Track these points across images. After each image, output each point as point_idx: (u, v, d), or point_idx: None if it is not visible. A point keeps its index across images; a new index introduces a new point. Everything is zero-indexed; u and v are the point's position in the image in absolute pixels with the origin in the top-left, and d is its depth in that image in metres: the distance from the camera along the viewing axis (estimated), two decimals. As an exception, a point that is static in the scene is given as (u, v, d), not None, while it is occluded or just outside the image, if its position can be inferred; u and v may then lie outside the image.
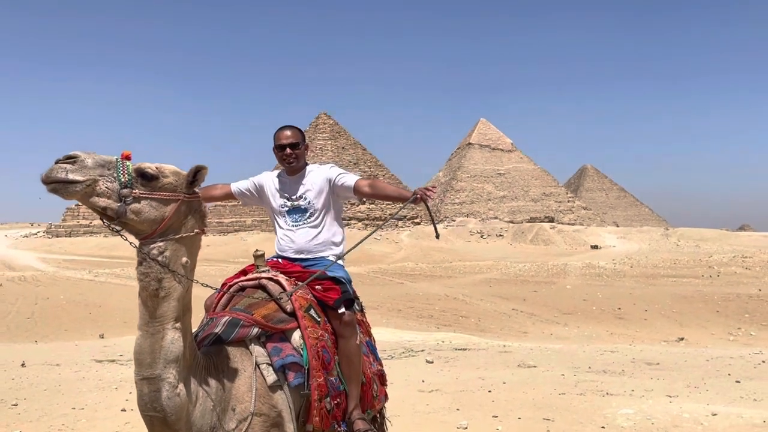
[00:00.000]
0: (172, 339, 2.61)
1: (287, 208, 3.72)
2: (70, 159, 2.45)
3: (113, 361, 11.95)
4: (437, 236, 3.85)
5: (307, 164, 3.82)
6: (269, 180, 3.84)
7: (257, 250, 3.56)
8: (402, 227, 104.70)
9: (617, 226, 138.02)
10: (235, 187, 3.89)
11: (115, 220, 2.57)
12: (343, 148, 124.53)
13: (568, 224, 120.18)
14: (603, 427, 6.61)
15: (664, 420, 6.78)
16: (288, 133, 3.73)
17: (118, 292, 30.10)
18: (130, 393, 8.58)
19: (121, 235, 2.69)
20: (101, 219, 2.61)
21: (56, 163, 2.45)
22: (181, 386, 2.58)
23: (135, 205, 2.56)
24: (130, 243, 2.69)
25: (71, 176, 2.42)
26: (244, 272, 3.60)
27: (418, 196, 3.39)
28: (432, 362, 11.42)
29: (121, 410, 7.57)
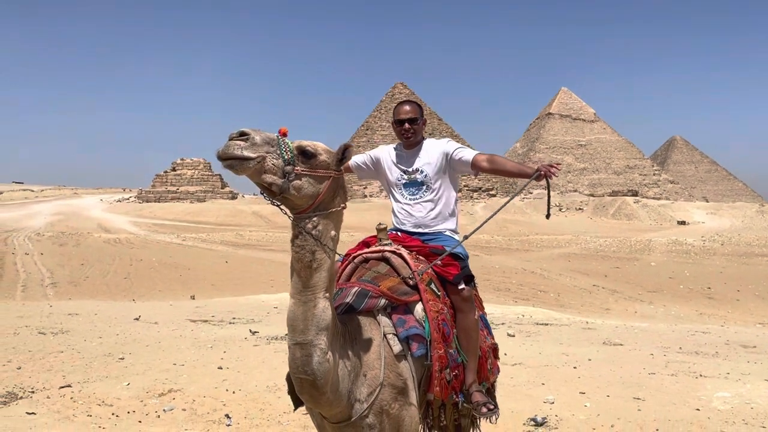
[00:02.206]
0: (324, 307, 2.72)
1: (404, 181, 3.78)
2: (243, 136, 2.56)
3: (206, 321, 12.60)
4: (548, 216, 3.80)
5: (423, 138, 3.86)
6: (386, 153, 3.91)
7: (380, 224, 3.66)
8: (477, 199, 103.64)
9: (707, 201, 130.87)
10: (353, 160, 3.97)
11: (278, 195, 2.66)
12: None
13: (653, 198, 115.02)
14: (698, 410, 6.39)
15: (764, 405, 6.48)
16: (407, 108, 3.79)
17: (204, 255, 31.60)
18: (225, 352, 9.07)
19: (282, 209, 2.78)
20: (263, 194, 2.71)
21: (230, 140, 2.55)
22: (330, 353, 2.71)
23: (296, 182, 2.65)
24: (289, 216, 2.80)
25: (245, 153, 2.52)
26: (366, 244, 3.70)
27: (542, 172, 3.35)
28: (513, 336, 11.36)
29: (218, 368, 7.99)
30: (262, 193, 2.71)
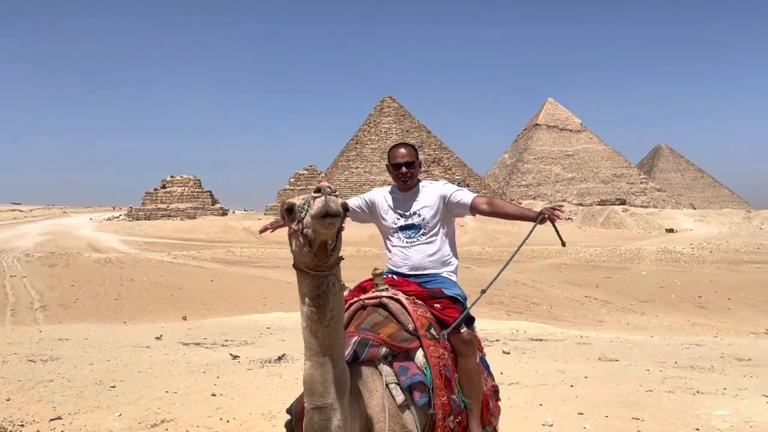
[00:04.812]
0: (343, 369, 2.65)
1: (401, 224, 3.74)
2: (334, 192, 2.46)
3: (198, 344, 12.45)
4: (564, 244, 3.74)
5: (419, 180, 3.84)
6: (381, 197, 3.88)
7: (376, 269, 3.61)
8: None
9: (694, 208, 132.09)
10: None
11: (330, 253, 2.54)
12: (407, 131, 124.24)
13: (641, 206, 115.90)
14: (697, 429, 6.35)
15: (763, 422, 6.46)
16: (403, 151, 3.77)
17: (196, 274, 31.33)
18: (218, 377, 8.95)
19: (332, 275, 2.59)
20: (309, 252, 2.50)
21: (328, 195, 2.44)
22: (348, 415, 2.64)
23: (341, 238, 2.59)
24: (319, 275, 2.59)
25: (341, 208, 2.45)
26: (362, 289, 3.65)
27: (546, 215, 3.33)
28: (508, 353, 11.30)
29: (211, 395, 7.87)
30: (311, 252, 2.50)
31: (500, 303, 23.13)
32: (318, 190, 2.44)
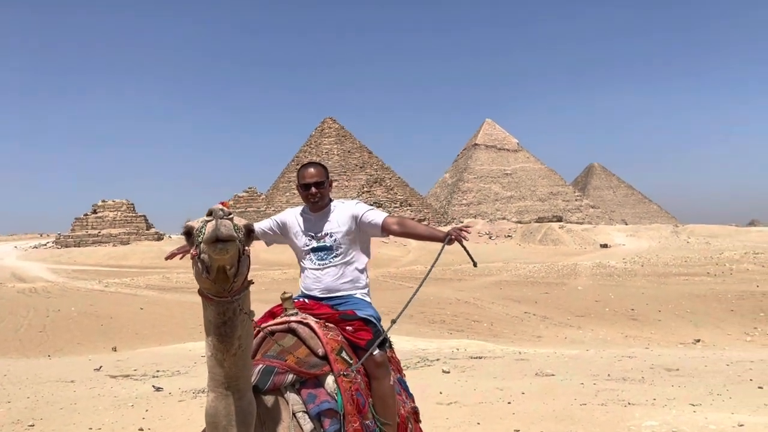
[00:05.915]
0: (250, 400, 2.51)
1: (312, 246, 3.65)
2: (229, 215, 2.32)
3: (127, 376, 11.89)
4: (475, 265, 3.75)
5: (331, 200, 3.75)
6: (292, 217, 3.77)
7: (285, 293, 3.49)
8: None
9: (626, 224, 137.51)
10: (257, 227, 3.79)
11: (233, 280, 2.38)
12: (349, 151, 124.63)
13: (577, 223, 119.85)
14: (628, 441, 6.48)
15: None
16: (312, 170, 3.67)
17: (128, 302, 30.12)
18: (147, 411, 8.54)
19: (238, 301, 2.45)
20: (210, 281, 2.37)
21: (221, 218, 2.29)
22: None
23: (246, 262, 2.45)
24: (222, 302, 2.45)
25: (235, 233, 2.32)
26: (272, 314, 3.51)
27: (453, 236, 3.33)
28: (448, 372, 11.30)
29: (139, 429, 7.50)
30: (211, 279, 2.37)
31: (442, 321, 23.25)
32: (210, 213, 2.31)
